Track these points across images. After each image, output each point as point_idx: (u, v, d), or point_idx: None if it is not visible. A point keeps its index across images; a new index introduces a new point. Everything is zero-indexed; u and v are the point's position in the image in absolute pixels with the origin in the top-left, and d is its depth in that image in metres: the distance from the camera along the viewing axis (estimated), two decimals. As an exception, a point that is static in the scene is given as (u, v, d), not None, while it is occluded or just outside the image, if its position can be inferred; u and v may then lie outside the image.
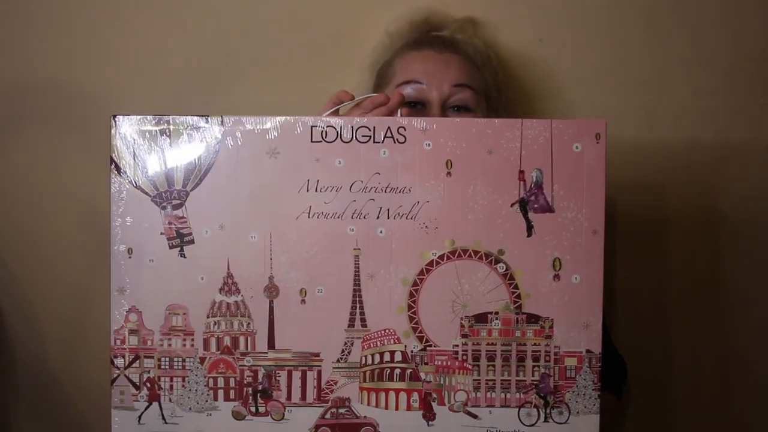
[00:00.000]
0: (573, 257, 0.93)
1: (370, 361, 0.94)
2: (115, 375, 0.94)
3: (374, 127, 0.92)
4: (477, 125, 0.93)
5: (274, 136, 0.92)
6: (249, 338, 0.94)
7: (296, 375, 0.94)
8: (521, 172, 0.93)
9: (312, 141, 0.93)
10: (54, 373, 1.42)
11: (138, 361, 0.94)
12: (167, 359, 0.94)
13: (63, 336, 1.42)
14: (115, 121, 0.92)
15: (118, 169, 0.93)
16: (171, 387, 0.94)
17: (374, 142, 0.92)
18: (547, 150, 0.93)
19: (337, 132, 0.92)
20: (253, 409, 0.94)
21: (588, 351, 0.94)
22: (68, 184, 1.38)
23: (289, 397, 0.94)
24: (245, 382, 0.94)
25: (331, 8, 1.34)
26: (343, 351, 0.94)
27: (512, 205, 0.93)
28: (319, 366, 0.94)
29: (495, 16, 1.33)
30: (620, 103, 1.36)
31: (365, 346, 0.94)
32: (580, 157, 0.93)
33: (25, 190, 1.38)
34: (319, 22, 1.32)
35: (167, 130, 0.92)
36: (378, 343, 0.94)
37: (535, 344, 0.94)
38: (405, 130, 0.93)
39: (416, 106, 1.12)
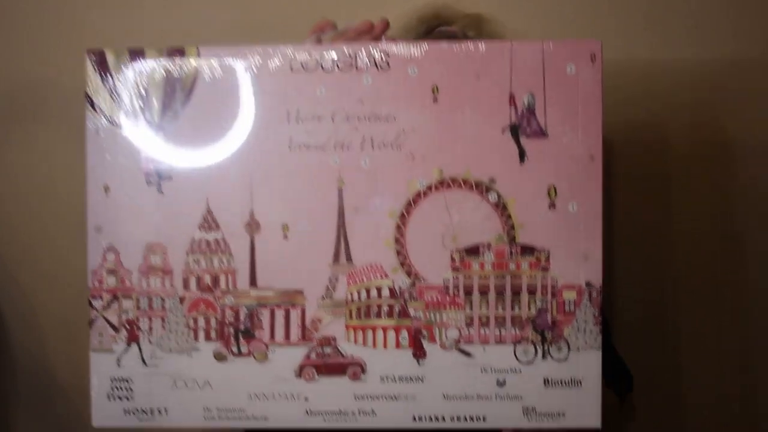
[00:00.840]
0: (569, 184, 0.88)
1: (356, 298, 0.90)
2: (93, 317, 0.91)
3: (356, 54, 0.89)
4: (464, 49, 0.88)
5: (253, 65, 0.88)
6: (230, 276, 0.90)
7: (279, 314, 0.90)
8: (512, 96, 0.88)
9: (292, 70, 0.89)
10: (54, 373, 1.42)
11: (116, 302, 0.91)
12: (146, 299, 0.91)
13: (62, 336, 1.42)
14: (90, 56, 0.89)
15: (93, 105, 0.90)
16: (150, 328, 0.91)
17: (357, 69, 0.89)
18: (539, 73, 0.88)
19: (318, 60, 0.89)
20: (235, 349, 0.90)
21: (588, 284, 0.89)
22: (68, 184, 1.36)
23: (272, 337, 0.90)
24: (227, 321, 0.91)
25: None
26: (327, 288, 0.90)
27: (503, 130, 0.89)
28: (303, 304, 0.90)
29: (503, 14, 1.30)
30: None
31: (351, 282, 0.90)
32: (575, 80, 0.88)
33: (23, 191, 1.38)
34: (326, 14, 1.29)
35: (143, 64, 0.89)
36: (364, 278, 0.90)
37: (530, 277, 0.89)
38: (388, 56, 0.88)
39: None
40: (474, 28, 1.21)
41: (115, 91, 0.90)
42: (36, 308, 1.41)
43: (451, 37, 1.13)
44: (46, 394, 1.42)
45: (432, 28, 1.21)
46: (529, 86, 0.88)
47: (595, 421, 0.90)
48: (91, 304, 0.91)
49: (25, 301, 1.35)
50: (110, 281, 0.91)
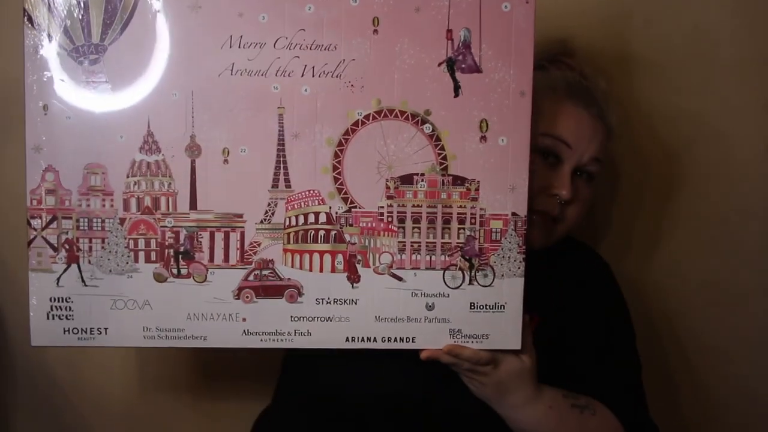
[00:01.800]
0: (500, 119, 0.92)
1: (294, 223, 0.93)
2: (32, 236, 0.92)
3: (299, -18, 0.90)
4: (404, -18, 0.90)
5: (196, -11, 0.89)
6: (170, 199, 0.92)
7: (219, 236, 0.93)
8: (449, 31, 0.91)
9: (235, -5, 0.90)
10: (53, 373, 1.40)
11: (56, 222, 0.92)
12: (86, 220, 0.92)
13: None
14: (28, -29, 0.88)
15: (31, 21, 0.89)
16: (90, 249, 0.92)
17: (299, -3, 0.90)
18: (476, 9, 0.91)
19: (261, -14, 0.90)
20: (174, 271, 0.93)
21: (514, 214, 0.94)
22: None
23: (211, 259, 0.93)
24: (166, 243, 0.92)
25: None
26: (266, 212, 0.92)
27: (439, 64, 0.92)
28: (242, 227, 0.92)
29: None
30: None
31: (289, 207, 0.92)
32: (509, 17, 0.91)
33: (23, 190, 1.34)
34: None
35: (83, -19, 0.89)
36: (302, 204, 0.92)
37: (460, 206, 0.94)
38: (331, -15, 0.90)
39: (549, 158, 1.07)
40: (588, 69, 1.17)
41: (54, 7, 0.89)
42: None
43: (570, 77, 1.11)
44: (46, 394, 1.41)
45: (555, 54, 1.18)
46: (466, 21, 0.91)
47: (516, 343, 0.96)
48: (29, 223, 0.91)
49: (25, 300, 1.32)
50: (49, 201, 0.91)
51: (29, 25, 0.89)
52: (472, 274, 0.94)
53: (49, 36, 0.89)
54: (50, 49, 0.89)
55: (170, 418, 1.41)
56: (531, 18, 0.91)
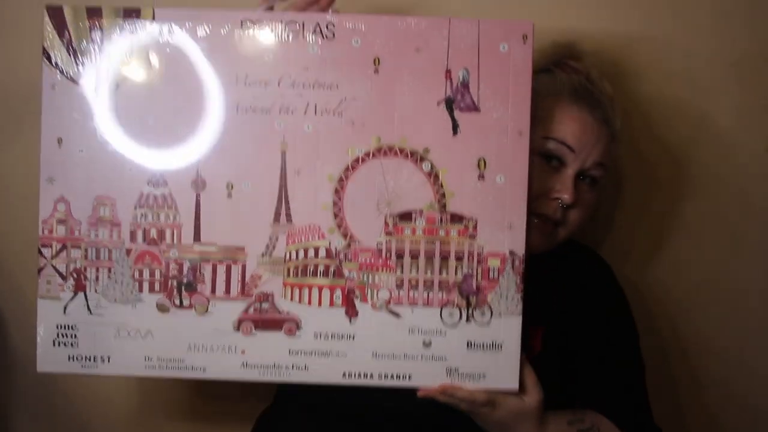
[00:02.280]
0: (498, 157, 0.93)
1: (294, 257, 0.94)
2: (42, 264, 0.95)
3: (303, 23, 0.93)
4: (405, 23, 0.94)
5: (206, 29, 0.93)
6: (175, 231, 0.95)
7: (221, 269, 0.95)
8: (448, 71, 0.93)
9: (242, 35, 0.94)
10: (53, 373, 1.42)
11: (65, 251, 0.95)
12: (94, 250, 0.95)
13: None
14: (48, 12, 0.94)
15: (49, 59, 0.94)
16: (97, 278, 0.95)
17: (303, 37, 0.93)
18: (474, 50, 0.93)
19: (268, 26, 0.93)
20: (177, 302, 0.95)
21: (511, 252, 0.94)
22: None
23: (213, 291, 0.95)
24: (170, 274, 0.95)
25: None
26: (267, 246, 0.94)
27: (438, 103, 0.94)
28: (244, 260, 0.94)
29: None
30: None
31: (290, 242, 0.94)
32: (507, 58, 0.93)
33: (23, 191, 1.38)
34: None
35: (100, 21, 0.93)
36: (303, 238, 0.94)
37: (458, 244, 0.94)
38: (334, 26, 0.93)
39: (552, 161, 1.07)
40: (595, 72, 1.16)
41: (72, 47, 0.94)
42: (35, 309, 1.40)
43: (575, 81, 1.11)
44: (46, 394, 1.43)
45: (561, 58, 1.19)
46: (465, 62, 0.93)
47: (513, 383, 0.95)
48: (40, 252, 0.95)
49: (25, 301, 1.35)
50: (60, 230, 0.95)
51: (47, 63, 0.94)
52: (470, 312, 0.94)
53: (66, 73, 0.94)
54: (66, 86, 0.94)
55: (170, 417, 1.40)
56: (528, 59, 0.93)
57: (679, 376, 1.40)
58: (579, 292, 1.12)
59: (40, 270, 0.95)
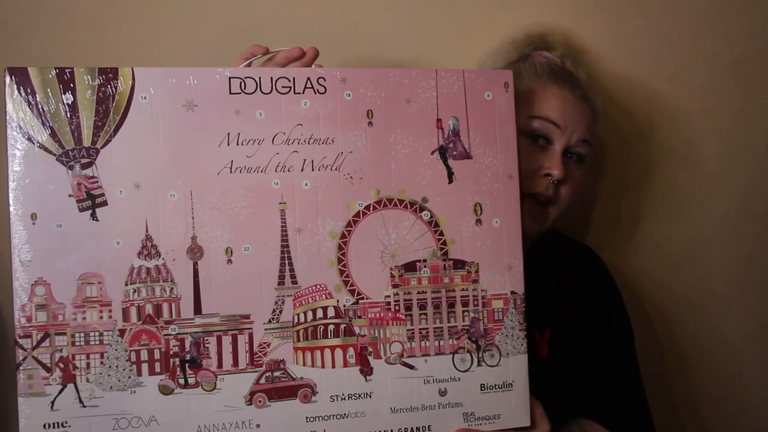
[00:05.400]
0: (492, 201, 0.96)
1: (302, 319, 0.91)
2: (21, 357, 0.84)
3: (294, 78, 0.91)
4: (394, 75, 0.94)
5: (190, 87, 0.88)
6: (173, 304, 0.88)
7: (226, 340, 0.89)
8: (439, 120, 0.95)
9: (231, 93, 0.89)
10: None
11: (48, 340, 0.85)
12: (82, 335, 0.85)
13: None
14: (11, 74, 0.84)
15: (15, 126, 0.84)
16: (88, 365, 0.85)
17: (294, 93, 0.91)
18: (461, 99, 0.96)
19: (257, 83, 0.90)
20: (181, 381, 0.87)
21: (512, 292, 0.96)
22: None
23: (220, 365, 0.89)
24: (171, 352, 0.87)
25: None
26: (274, 311, 0.90)
27: (432, 152, 0.95)
28: (250, 328, 0.89)
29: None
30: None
31: (297, 304, 0.90)
32: (492, 105, 0.96)
33: None
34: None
35: (71, 83, 0.85)
36: (310, 299, 0.91)
37: (463, 289, 0.95)
38: (325, 80, 0.92)
39: (539, 140, 1.10)
40: (571, 57, 1.21)
41: (40, 112, 0.85)
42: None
43: (553, 64, 1.15)
44: None
45: (525, 54, 1.21)
46: (454, 110, 0.95)
47: (525, 420, 0.97)
48: (18, 343, 0.83)
49: None
50: (40, 317, 0.84)
51: (16, 130, 0.84)
52: (480, 355, 0.95)
53: (36, 141, 0.84)
54: (36, 155, 0.84)
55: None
56: (511, 105, 0.97)
57: (676, 375, 1.43)
58: (580, 292, 1.17)
59: (18, 365, 0.84)
